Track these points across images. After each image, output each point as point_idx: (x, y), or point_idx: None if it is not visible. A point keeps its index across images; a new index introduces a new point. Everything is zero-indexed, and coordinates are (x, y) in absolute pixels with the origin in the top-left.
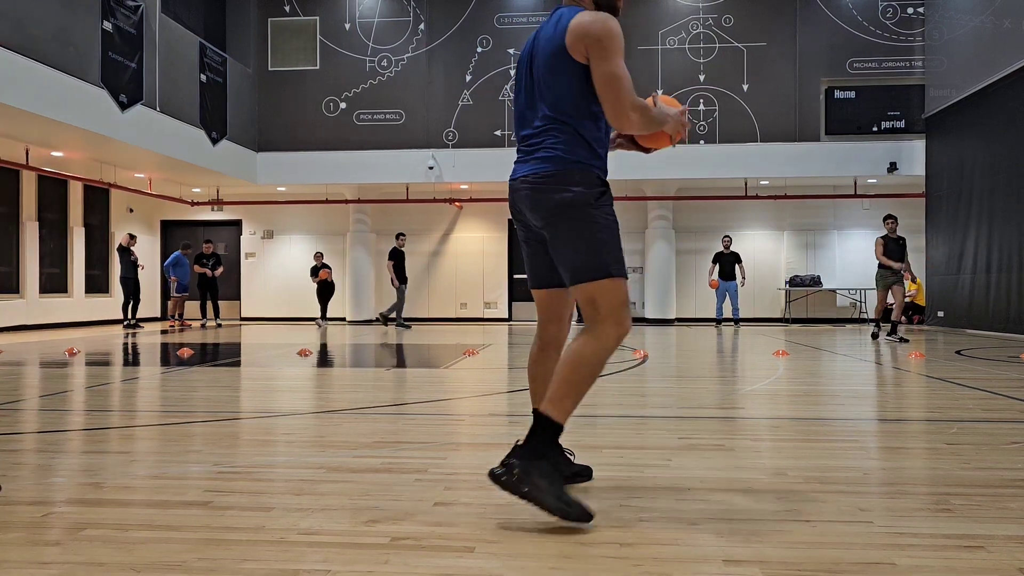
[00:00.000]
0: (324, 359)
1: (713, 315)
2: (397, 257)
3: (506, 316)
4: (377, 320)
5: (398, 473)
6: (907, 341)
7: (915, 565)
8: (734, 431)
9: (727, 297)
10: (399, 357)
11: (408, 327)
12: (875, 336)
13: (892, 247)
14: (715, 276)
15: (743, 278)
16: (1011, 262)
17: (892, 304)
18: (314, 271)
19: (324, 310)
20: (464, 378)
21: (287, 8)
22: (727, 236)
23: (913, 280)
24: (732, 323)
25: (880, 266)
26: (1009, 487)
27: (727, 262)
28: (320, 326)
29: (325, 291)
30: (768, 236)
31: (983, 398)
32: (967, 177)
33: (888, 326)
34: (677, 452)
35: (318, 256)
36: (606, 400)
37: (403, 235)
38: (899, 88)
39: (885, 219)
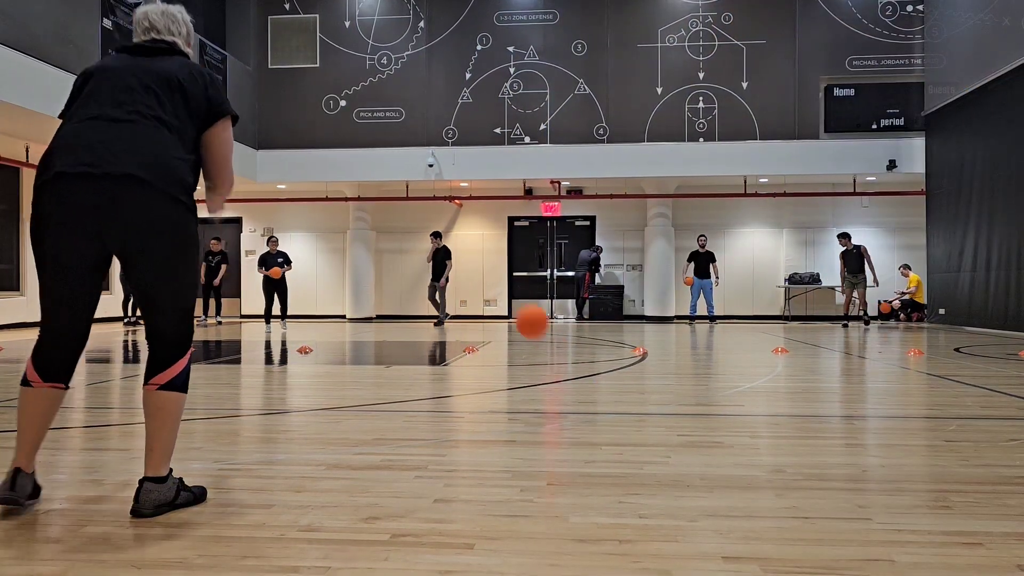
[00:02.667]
0: (323, 356)
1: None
2: (432, 256)
3: (506, 313)
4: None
5: (398, 470)
6: (868, 325)
7: (914, 562)
8: (733, 428)
9: (701, 295)
10: (399, 354)
11: (436, 323)
12: (845, 326)
13: (851, 258)
14: (689, 273)
15: (717, 277)
16: (1011, 259)
17: (856, 300)
18: (264, 261)
19: (283, 308)
20: (464, 375)
21: (287, 6)
22: (703, 236)
23: (876, 283)
24: (707, 320)
25: (848, 271)
26: (1008, 484)
27: (702, 261)
28: (269, 330)
29: (275, 287)
30: (767, 234)
31: (982, 395)
32: (967, 175)
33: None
34: (676, 449)
35: (272, 243)
36: (606, 397)
37: (432, 234)
38: (898, 86)
39: (840, 237)
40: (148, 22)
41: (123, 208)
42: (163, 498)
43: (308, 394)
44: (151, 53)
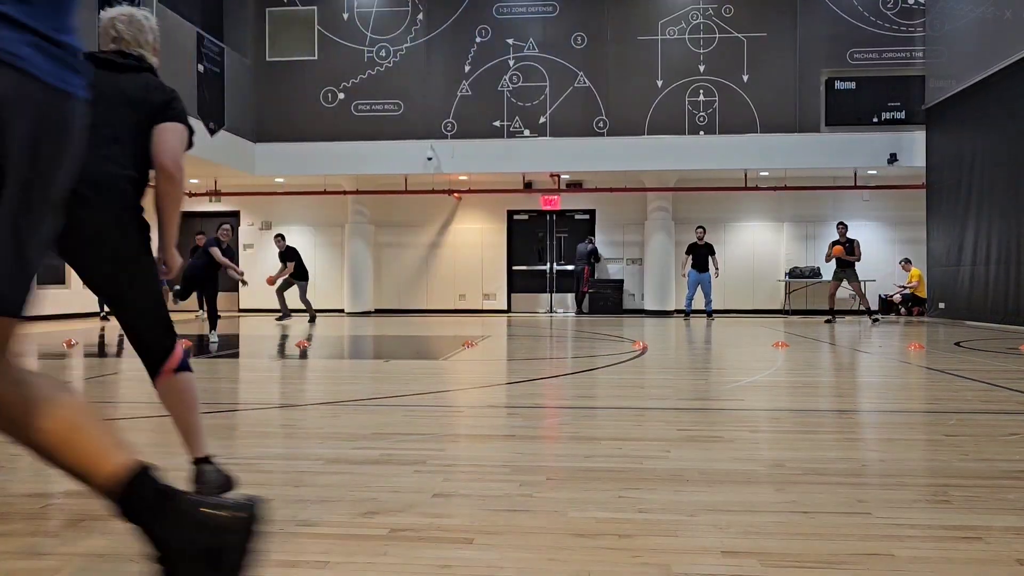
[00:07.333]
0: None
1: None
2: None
3: (505, 308)
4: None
5: (397, 465)
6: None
7: (913, 556)
8: (733, 423)
9: (699, 289)
10: (398, 349)
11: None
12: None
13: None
14: (688, 268)
15: (717, 269)
16: (1011, 254)
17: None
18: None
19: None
20: (463, 370)
21: None
22: (700, 227)
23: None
24: (704, 315)
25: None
26: (1007, 478)
27: (700, 254)
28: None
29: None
30: (768, 227)
31: (982, 390)
32: (967, 168)
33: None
34: (676, 444)
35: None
36: (605, 392)
37: (276, 236)
38: (899, 79)
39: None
40: (115, 31)
41: None
42: (220, 478)
43: (306, 388)
44: (118, 69)
